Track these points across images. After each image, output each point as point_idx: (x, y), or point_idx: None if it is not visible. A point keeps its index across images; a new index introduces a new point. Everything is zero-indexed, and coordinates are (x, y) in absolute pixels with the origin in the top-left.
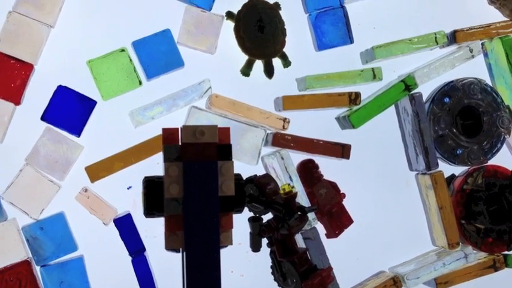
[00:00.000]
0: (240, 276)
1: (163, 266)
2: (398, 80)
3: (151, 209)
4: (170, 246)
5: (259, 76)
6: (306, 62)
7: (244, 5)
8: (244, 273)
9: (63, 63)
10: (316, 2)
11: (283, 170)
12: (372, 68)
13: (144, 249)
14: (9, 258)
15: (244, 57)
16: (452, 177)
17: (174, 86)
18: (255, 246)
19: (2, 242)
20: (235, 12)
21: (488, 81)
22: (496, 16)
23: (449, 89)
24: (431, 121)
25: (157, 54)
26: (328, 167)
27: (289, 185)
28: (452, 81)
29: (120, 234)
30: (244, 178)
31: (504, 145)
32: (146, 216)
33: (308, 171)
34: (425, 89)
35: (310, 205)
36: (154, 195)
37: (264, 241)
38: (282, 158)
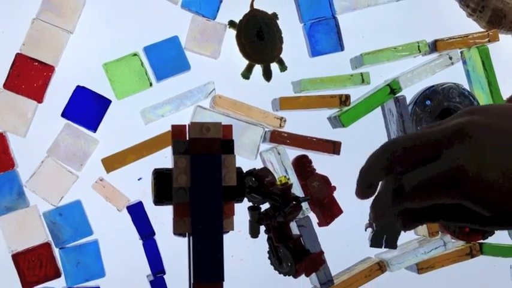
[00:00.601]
0: (240, 260)
1: (171, 250)
2: (385, 84)
3: (160, 197)
4: (178, 231)
5: (259, 79)
6: (301, 66)
7: (245, 15)
8: (243, 258)
9: (81, 65)
10: (311, 13)
11: (280, 164)
12: (361, 73)
13: (154, 233)
14: (31, 240)
15: (244, 62)
16: None
17: (181, 87)
18: (254, 233)
19: (24, 226)
20: (237, 21)
21: (467, 86)
22: (473, 27)
23: (430, 93)
24: (414, 121)
25: (166, 58)
26: (321, 162)
27: (285, 177)
28: (433, 86)
29: (133, 220)
30: (244, 171)
31: None
32: (155, 204)
33: (302, 165)
34: (409, 93)
35: (304, 196)
36: (163, 185)
37: (262, 228)
38: (279, 153)
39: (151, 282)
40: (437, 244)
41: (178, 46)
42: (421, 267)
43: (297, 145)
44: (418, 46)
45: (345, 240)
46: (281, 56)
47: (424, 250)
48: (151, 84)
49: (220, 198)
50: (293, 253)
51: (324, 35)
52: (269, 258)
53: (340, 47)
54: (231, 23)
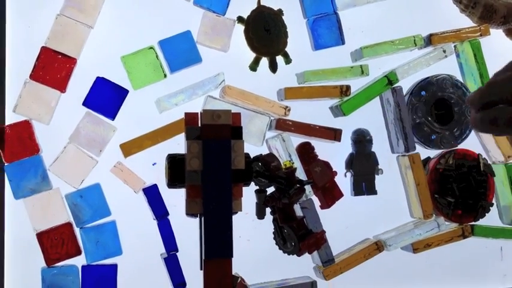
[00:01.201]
0: (247, 240)
1: (183, 230)
2: (383, 76)
3: (173, 180)
4: (190, 211)
5: (265, 71)
6: (305, 59)
7: (253, 11)
8: (250, 238)
9: (101, 58)
10: (314, 9)
11: (285, 150)
12: (360, 65)
13: (167, 213)
14: (54, 220)
15: (252, 55)
16: (428, 159)
17: (194, 78)
18: (260, 214)
19: (48, 207)
20: (245, 17)
21: (459, 78)
22: (466, 22)
23: (425, 84)
24: (410, 111)
25: (180, 51)
26: (323, 148)
27: (289, 161)
28: (428, 77)
29: (148, 201)
30: (251, 157)
31: (472, 132)
32: (169, 187)
33: (305, 151)
34: (405, 84)
35: (307, 179)
36: (176, 169)
37: (268, 211)
38: (284, 140)
39: (165, 259)
40: (432, 226)
41: (190, 40)
42: (416, 248)
43: (300, 132)
44: (414, 40)
45: (345, 222)
46: (286, 49)
47: (419, 232)
48: (165, 76)
49: (230, 181)
50: (297, 232)
51: (326, 29)
52: (274, 238)
53: (341, 41)
54: (240, 19)
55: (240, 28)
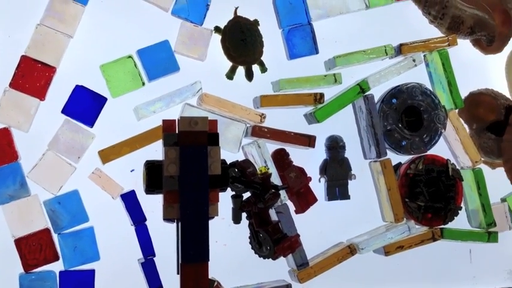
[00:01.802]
0: (224, 245)
1: (160, 235)
2: (355, 84)
3: (151, 186)
4: (167, 216)
5: (241, 79)
6: (280, 68)
7: (230, 21)
8: (226, 243)
9: (80, 66)
10: (288, 20)
11: (260, 156)
12: (334, 74)
13: (145, 219)
14: (32, 226)
15: (229, 64)
16: (399, 164)
17: (171, 87)
18: (236, 219)
19: (26, 214)
20: (222, 27)
21: (429, 86)
22: (435, 33)
23: (396, 92)
24: (382, 118)
25: (158, 60)
26: (297, 155)
27: (265, 167)
28: (398, 86)
29: (126, 207)
30: (228, 163)
31: (441, 138)
32: (146, 193)
33: (280, 157)
34: (377, 92)
35: (282, 185)
36: (154, 175)
37: (244, 215)
38: (259, 147)
39: (142, 264)
40: (403, 229)
41: (168, 49)
42: (388, 251)
43: (276, 139)
44: (385, 50)
45: (319, 226)
46: (262, 58)
47: (391, 235)
48: (143, 84)
49: (207, 186)
50: (272, 236)
51: (301, 39)
52: (250, 242)
53: (315, 50)
54: (217, 29)
55: (217, 38)
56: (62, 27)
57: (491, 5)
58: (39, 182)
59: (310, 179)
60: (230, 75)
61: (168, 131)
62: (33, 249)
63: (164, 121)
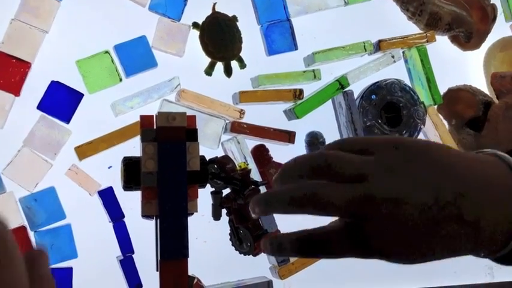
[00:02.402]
0: (204, 242)
1: (139, 232)
2: (334, 80)
3: (129, 182)
4: (146, 212)
5: (220, 75)
6: (259, 64)
7: (208, 17)
8: (206, 240)
9: (55, 62)
10: (267, 16)
11: (240, 152)
12: (313, 70)
13: (123, 216)
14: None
15: (207, 60)
16: None
17: (149, 82)
18: (216, 216)
19: (1, 211)
20: (200, 22)
21: (408, 82)
22: (413, 29)
23: (375, 88)
24: (361, 114)
25: (135, 56)
26: (277, 151)
27: (244, 162)
28: (377, 82)
29: (103, 204)
30: (207, 159)
31: (420, 134)
32: (124, 190)
33: (260, 154)
34: (356, 88)
35: (261, 180)
36: (131, 171)
37: (224, 212)
38: (239, 143)
39: (121, 261)
40: None
41: (146, 45)
42: None
43: (255, 135)
44: (364, 46)
45: (299, 222)
46: (241, 54)
47: None
48: (121, 80)
49: (185, 182)
50: (252, 233)
51: (279, 35)
52: (230, 239)
53: (294, 46)
54: (195, 24)
55: (195, 33)
56: (37, 22)
57: (469, 2)
58: (15, 178)
59: None
60: (209, 71)
61: (145, 127)
62: None
63: (142, 117)
